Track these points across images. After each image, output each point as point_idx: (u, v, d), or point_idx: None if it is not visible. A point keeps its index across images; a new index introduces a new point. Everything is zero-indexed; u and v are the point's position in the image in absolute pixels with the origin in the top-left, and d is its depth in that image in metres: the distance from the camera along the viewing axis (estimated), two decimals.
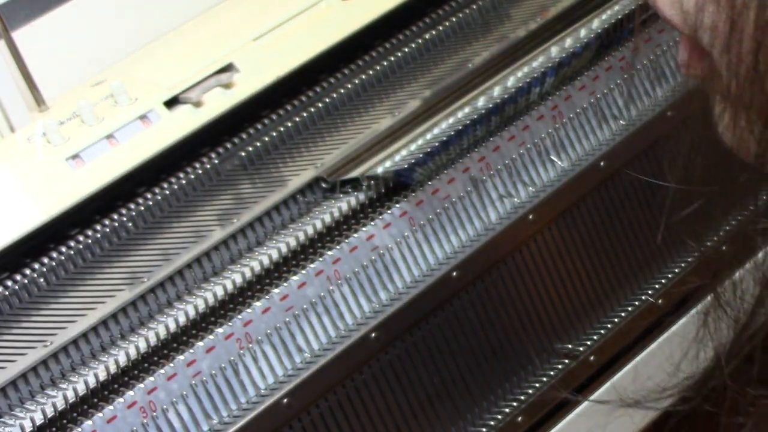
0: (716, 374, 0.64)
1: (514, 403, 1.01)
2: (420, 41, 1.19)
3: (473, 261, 1.00)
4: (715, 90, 0.54)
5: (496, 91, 1.05)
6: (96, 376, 0.87)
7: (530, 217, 1.03)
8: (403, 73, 1.17)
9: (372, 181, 0.99)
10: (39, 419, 0.85)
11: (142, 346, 0.89)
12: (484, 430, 1.00)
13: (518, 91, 1.04)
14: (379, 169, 0.99)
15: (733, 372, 0.63)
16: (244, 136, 1.11)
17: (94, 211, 1.03)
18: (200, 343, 0.90)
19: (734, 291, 0.64)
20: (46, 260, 0.99)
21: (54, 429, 0.86)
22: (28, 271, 0.99)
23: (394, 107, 1.11)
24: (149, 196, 1.05)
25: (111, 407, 0.86)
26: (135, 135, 1.06)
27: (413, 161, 0.98)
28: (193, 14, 1.22)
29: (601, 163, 1.07)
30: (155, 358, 0.89)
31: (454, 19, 1.21)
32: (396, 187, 1.00)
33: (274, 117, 1.12)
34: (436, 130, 1.02)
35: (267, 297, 0.93)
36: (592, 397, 1.03)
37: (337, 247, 0.96)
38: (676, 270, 1.10)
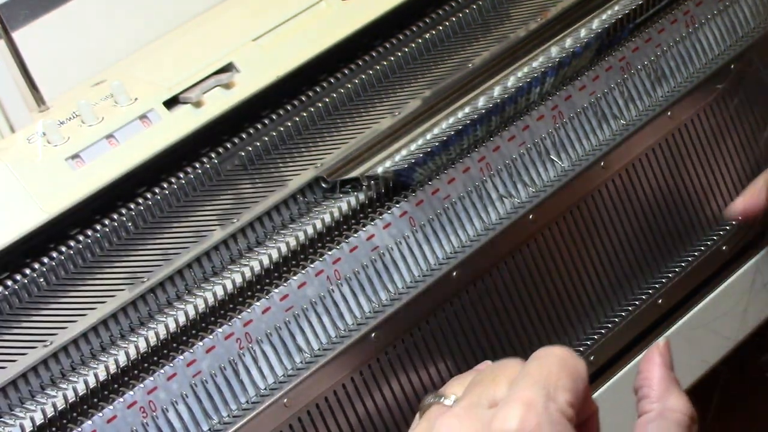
0: None
1: None
2: (420, 41, 1.19)
3: (473, 261, 1.00)
4: None
5: (496, 91, 1.05)
6: (96, 376, 0.87)
7: (530, 217, 1.03)
8: (403, 73, 1.17)
9: (372, 181, 0.99)
10: (39, 419, 0.85)
11: (142, 346, 0.89)
12: None
13: (518, 91, 1.04)
14: (379, 169, 0.99)
15: None
16: (244, 136, 1.11)
17: (94, 211, 1.03)
18: (200, 343, 0.90)
19: None
20: (46, 260, 0.99)
21: (54, 429, 0.86)
22: (28, 271, 0.99)
23: (394, 107, 1.11)
24: (149, 196, 1.05)
25: (111, 407, 0.86)
26: (135, 135, 1.06)
27: (413, 161, 0.98)
28: (193, 14, 1.22)
29: (601, 163, 1.07)
30: (155, 358, 0.89)
31: (454, 19, 1.21)
32: (396, 187, 1.00)
33: (274, 117, 1.12)
34: (436, 130, 1.02)
35: (267, 297, 0.93)
36: None
37: (337, 247, 0.96)
38: (677, 270, 1.10)
